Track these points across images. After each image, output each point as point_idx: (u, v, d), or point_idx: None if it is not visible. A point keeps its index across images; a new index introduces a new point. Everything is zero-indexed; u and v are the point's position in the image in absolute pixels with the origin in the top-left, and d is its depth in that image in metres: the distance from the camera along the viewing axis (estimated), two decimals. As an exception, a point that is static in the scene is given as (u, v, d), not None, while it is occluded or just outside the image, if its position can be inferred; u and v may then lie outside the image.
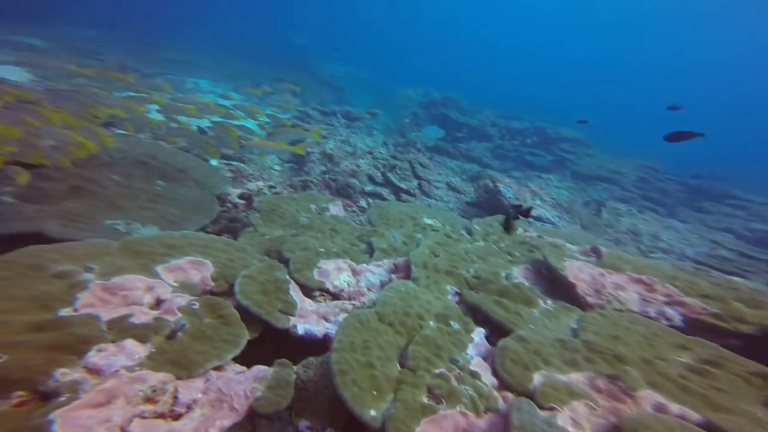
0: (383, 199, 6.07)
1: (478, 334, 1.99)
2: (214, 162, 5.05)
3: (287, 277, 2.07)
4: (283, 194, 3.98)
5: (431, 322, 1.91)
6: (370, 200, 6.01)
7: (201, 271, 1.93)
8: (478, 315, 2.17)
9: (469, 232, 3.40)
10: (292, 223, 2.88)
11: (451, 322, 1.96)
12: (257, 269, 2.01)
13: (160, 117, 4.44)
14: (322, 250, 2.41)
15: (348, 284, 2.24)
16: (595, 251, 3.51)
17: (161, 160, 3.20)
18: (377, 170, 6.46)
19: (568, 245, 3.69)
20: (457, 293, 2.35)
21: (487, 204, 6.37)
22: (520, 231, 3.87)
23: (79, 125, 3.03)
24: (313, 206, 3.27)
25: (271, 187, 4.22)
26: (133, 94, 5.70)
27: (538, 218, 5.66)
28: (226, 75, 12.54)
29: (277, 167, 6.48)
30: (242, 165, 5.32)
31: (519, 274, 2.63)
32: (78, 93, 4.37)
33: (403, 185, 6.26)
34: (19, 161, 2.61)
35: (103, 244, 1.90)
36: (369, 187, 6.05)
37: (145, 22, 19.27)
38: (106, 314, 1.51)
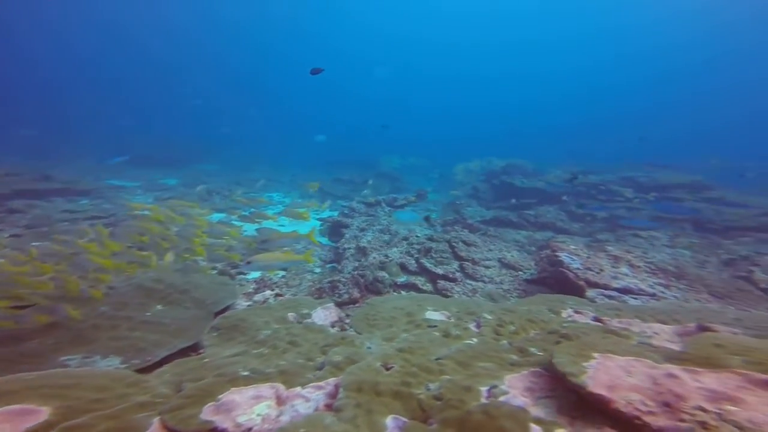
0: (418, 290, 5.33)
1: None
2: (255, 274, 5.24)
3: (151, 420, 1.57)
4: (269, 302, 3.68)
5: None
6: (404, 293, 5.33)
7: (17, 423, 1.56)
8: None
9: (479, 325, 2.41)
10: (250, 339, 2.49)
11: None
12: (105, 415, 1.58)
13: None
14: (245, 373, 1.87)
15: (263, 419, 1.59)
16: (704, 330, 2.10)
17: (167, 283, 3.39)
18: (411, 257, 5.88)
19: (656, 326, 2.32)
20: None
21: (553, 279, 4.98)
22: (567, 312, 2.64)
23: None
24: (291, 314, 2.86)
25: (278, 296, 4.02)
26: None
27: (624, 291, 4.06)
28: (295, 185, 14.57)
29: (317, 270, 6.50)
30: (279, 273, 5.41)
31: (515, 386, 1.55)
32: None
33: (439, 270, 5.46)
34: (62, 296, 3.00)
35: None
36: (401, 279, 5.44)
37: (246, 155, 24.83)
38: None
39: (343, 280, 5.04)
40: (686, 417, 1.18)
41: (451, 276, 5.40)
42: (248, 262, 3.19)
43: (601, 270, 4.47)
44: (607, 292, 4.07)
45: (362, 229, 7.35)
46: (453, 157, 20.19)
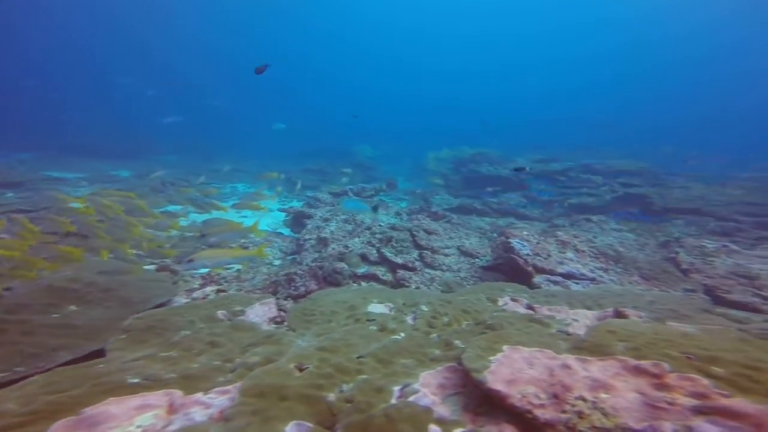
0: (378, 280, 5.35)
1: None
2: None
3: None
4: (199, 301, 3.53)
5: None
6: (364, 284, 5.33)
7: None
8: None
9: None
10: (164, 341, 2.37)
11: None
12: None
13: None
14: (135, 380, 1.76)
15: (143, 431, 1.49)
16: (619, 316, 2.25)
17: (86, 281, 3.16)
18: (372, 247, 5.87)
19: (581, 312, 2.46)
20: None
21: (507, 266, 5.16)
22: (504, 301, 2.74)
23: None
24: (221, 312, 2.75)
25: (219, 291, 3.87)
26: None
27: (567, 276, 4.27)
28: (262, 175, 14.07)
29: (277, 262, 6.34)
30: (234, 266, 5.23)
31: (429, 383, 1.58)
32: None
33: (399, 260, 5.50)
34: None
35: None
36: (362, 269, 5.43)
37: (209, 145, 23.70)
38: None
39: (300, 272, 4.96)
40: (568, 408, 1.25)
41: (410, 265, 5.45)
42: (189, 260, 3.02)
43: (549, 256, 4.68)
44: (552, 278, 4.26)
45: (326, 220, 7.25)
46: (428, 146, 20.24)
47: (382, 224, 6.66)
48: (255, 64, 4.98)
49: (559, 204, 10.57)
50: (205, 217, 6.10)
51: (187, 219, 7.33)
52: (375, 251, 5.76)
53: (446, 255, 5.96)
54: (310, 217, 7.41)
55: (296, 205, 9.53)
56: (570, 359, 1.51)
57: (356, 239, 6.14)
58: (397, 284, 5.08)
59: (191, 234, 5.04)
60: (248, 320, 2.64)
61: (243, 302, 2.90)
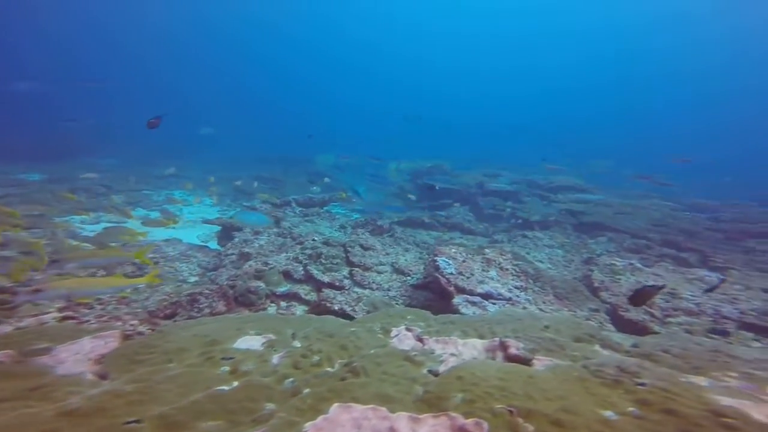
0: (300, 300, 5.02)
1: None
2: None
3: None
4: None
5: None
6: (284, 305, 4.97)
7: None
8: None
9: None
10: None
11: None
12: None
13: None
14: None
15: None
16: (503, 348, 2.17)
17: None
18: (299, 264, 5.54)
19: (471, 342, 2.34)
20: None
21: (435, 284, 5.07)
22: (397, 331, 2.55)
23: None
24: (3, 353, 2.14)
25: (67, 318, 3.18)
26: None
27: (486, 296, 4.24)
28: (208, 183, 13.22)
29: (192, 279, 5.79)
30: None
31: None
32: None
33: (326, 278, 5.22)
34: None
35: None
36: (282, 288, 5.07)
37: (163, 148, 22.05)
38: None
39: (207, 291, 4.49)
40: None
41: (337, 284, 5.18)
42: (37, 290, 2.49)
43: (472, 275, 4.64)
44: (471, 298, 4.20)
45: (257, 233, 6.79)
46: (393, 155, 20.24)
47: (316, 239, 6.35)
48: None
49: (507, 219, 10.92)
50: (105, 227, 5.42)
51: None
52: (301, 268, 5.43)
53: (379, 272, 5.77)
54: (239, 229, 6.92)
55: (231, 214, 8.92)
56: (401, 420, 1.32)
57: (282, 255, 5.77)
58: (320, 305, 4.79)
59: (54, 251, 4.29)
60: (41, 363, 2.01)
61: (58, 336, 2.33)
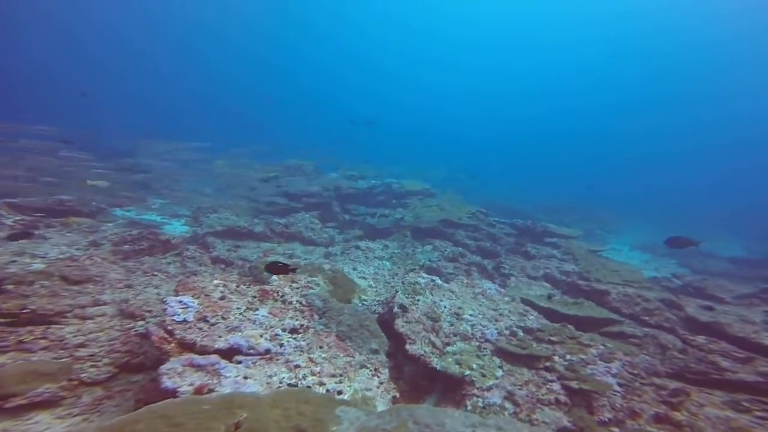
0: None
1: None
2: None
3: None
4: None
5: None
6: None
7: None
8: None
9: None
10: None
11: None
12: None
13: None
14: None
15: None
16: None
17: None
18: None
19: None
20: None
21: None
22: None
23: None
24: None
25: None
26: None
27: (228, 352, 3.02)
28: None
29: None
30: None
31: None
32: None
33: None
34: None
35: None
36: None
37: None
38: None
39: None
40: None
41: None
42: None
43: (223, 319, 3.34)
44: (198, 360, 2.87)
45: None
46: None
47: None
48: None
49: (360, 226, 10.28)
50: None
51: None
52: None
53: (91, 318, 3.89)
54: None
55: None
56: None
57: None
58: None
59: None
60: None
61: None
